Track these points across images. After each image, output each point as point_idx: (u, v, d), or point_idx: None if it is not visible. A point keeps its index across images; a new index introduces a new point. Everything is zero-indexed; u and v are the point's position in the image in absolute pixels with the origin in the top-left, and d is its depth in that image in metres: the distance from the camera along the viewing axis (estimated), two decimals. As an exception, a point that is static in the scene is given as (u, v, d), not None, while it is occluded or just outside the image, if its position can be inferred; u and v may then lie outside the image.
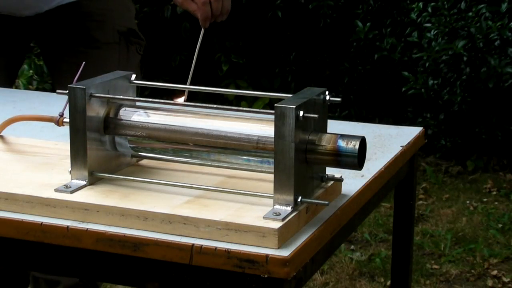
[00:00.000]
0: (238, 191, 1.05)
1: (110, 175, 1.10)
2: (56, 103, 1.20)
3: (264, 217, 0.98)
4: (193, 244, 0.96)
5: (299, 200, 0.99)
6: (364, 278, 2.75)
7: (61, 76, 1.89)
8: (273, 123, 0.98)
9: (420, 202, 3.34)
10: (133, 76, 1.14)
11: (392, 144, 1.33)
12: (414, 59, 3.73)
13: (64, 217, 1.03)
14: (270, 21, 4.02)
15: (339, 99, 1.06)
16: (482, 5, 3.56)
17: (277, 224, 0.96)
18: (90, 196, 1.05)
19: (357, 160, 1.00)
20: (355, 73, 3.99)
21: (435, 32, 3.56)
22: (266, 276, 0.94)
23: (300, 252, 0.96)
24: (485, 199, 3.40)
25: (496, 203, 3.36)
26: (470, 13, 3.53)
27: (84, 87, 1.06)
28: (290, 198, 0.99)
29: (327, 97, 1.05)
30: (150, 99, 1.13)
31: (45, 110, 1.31)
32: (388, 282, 2.63)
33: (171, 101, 1.11)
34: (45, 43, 1.94)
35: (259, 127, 1.05)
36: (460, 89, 3.57)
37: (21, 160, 1.19)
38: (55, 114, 1.16)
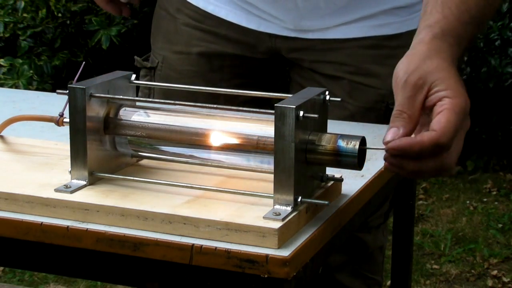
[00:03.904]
0: (238, 191, 1.04)
1: (110, 175, 1.10)
2: (56, 103, 1.20)
3: (264, 217, 0.97)
4: (193, 244, 0.96)
5: (299, 200, 0.99)
6: (364, 278, 2.74)
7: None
8: (273, 123, 0.98)
9: (420, 202, 3.34)
10: (133, 76, 1.14)
11: (392, 144, 1.32)
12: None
13: (64, 217, 1.03)
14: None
15: (339, 99, 1.06)
16: (482, 5, 3.55)
17: (277, 224, 0.96)
18: (90, 196, 1.05)
19: (357, 160, 1.00)
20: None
21: (435, 32, 3.56)
22: (266, 276, 0.94)
23: (300, 252, 0.95)
24: (485, 199, 3.40)
25: (496, 203, 3.36)
26: (471, 13, 3.53)
27: (84, 87, 1.05)
28: (290, 198, 0.99)
29: (327, 97, 1.05)
30: (150, 99, 1.13)
31: (45, 110, 1.31)
32: (388, 282, 2.63)
33: (171, 101, 1.11)
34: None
35: (259, 127, 1.05)
36: (460, 89, 3.57)
37: (21, 160, 1.19)
38: (55, 114, 1.16)
